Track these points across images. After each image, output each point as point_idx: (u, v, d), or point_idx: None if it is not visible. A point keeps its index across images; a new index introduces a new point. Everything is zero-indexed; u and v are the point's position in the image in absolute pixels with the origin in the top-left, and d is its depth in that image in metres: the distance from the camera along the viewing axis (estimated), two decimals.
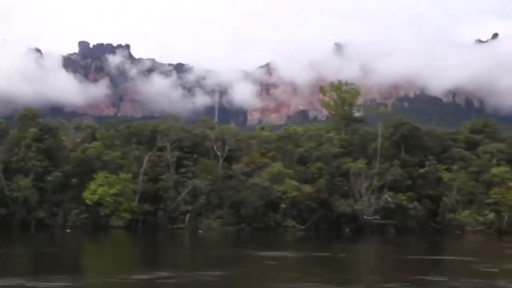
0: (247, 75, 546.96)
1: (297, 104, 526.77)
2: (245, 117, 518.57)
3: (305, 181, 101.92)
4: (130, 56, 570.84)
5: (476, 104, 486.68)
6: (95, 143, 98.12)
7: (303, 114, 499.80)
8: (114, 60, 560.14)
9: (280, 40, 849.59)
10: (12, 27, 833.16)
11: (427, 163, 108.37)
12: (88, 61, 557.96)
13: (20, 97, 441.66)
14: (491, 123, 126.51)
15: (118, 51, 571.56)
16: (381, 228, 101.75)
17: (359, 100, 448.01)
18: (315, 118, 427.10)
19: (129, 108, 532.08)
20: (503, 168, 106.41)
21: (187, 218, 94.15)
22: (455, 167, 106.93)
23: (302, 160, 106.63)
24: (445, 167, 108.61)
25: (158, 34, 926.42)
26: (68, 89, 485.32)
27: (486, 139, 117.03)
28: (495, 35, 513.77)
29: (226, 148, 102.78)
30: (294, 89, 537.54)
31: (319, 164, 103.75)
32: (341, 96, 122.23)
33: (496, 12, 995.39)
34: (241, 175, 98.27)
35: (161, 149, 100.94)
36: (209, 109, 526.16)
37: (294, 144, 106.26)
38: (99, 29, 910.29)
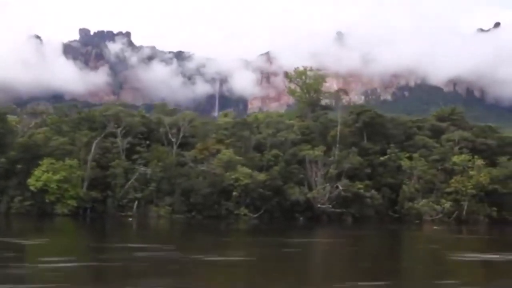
0: (247, 64, 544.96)
1: None
2: (246, 106, 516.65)
3: (261, 169, 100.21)
4: (131, 44, 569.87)
5: (477, 93, 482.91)
6: (43, 129, 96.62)
7: None
8: (114, 47, 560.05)
9: (280, 28, 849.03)
10: (12, 14, 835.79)
11: (388, 151, 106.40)
12: (89, 48, 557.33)
13: (20, 84, 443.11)
14: (458, 110, 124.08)
15: (118, 38, 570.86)
16: (339, 217, 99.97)
17: (361, 88, 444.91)
18: None
19: (130, 96, 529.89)
20: (465, 157, 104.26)
21: (134, 206, 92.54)
22: (415, 155, 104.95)
23: (260, 147, 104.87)
24: (407, 155, 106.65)
25: (159, 21, 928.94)
26: (68, 77, 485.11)
27: (452, 127, 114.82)
28: (497, 24, 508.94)
29: (181, 135, 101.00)
30: None
31: (275, 151, 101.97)
32: (306, 83, 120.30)
33: (498, 1, 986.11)
34: (191, 162, 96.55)
35: (115, 135, 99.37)
36: (210, 98, 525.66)
37: (250, 130, 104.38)
38: (101, 16, 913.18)
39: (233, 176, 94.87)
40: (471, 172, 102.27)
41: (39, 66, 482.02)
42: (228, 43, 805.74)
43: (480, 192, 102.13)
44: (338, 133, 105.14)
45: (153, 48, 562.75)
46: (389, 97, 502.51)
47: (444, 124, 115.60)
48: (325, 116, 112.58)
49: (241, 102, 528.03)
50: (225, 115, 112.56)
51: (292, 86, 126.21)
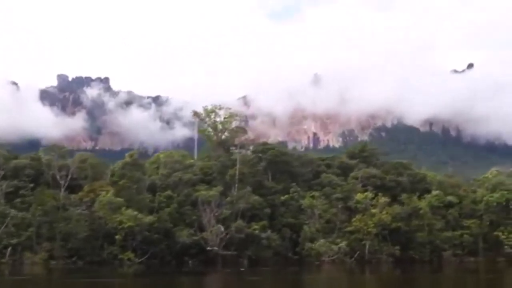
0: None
1: (276, 135, 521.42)
2: None
3: (152, 211, 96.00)
4: (109, 89, 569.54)
5: (453, 132, 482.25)
6: None
7: (282, 145, 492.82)
8: (92, 92, 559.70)
9: (257, 71, 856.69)
10: None
11: (291, 190, 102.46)
12: (66, 94, 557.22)
13: None
14: (368, 147, 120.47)
15: (96, 83, 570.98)
16: (235, 260, 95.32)
17: (338, 130, 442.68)
18: (294, 149, 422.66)
19: (108, 141, 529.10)
20: (367, 195, 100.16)
21: (7, 252, 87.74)
22: (317, 193, 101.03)
23: (155, 189, 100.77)
24: (312, 194, 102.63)
25: (136, 66, 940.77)
26: (45, 122, 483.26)
27: (362, 164, 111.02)
28: (470, 65, 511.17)
29: (69, 177, 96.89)
30: (272, 120, 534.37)
31: (168, 193, 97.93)
32: (215, 122, 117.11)
33: (470, 42, 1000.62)
34: (73, 206, 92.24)
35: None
36: (189, 140, 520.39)
37: (142, 171, 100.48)
38: (79, 62, 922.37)
39: (117, 219, 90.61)
40: (373, 210, 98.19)
41: (16, 112, 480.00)
42: (205, 87, 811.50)
43: (383, 230, 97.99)
44: (237, 173, 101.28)
45: (130, 92, 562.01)
46: (366, 138, 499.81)
47: (353, 162, 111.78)
48: (226, 155, 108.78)
49: None
50: (131, 156, 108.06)
51: (204, 125, 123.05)
